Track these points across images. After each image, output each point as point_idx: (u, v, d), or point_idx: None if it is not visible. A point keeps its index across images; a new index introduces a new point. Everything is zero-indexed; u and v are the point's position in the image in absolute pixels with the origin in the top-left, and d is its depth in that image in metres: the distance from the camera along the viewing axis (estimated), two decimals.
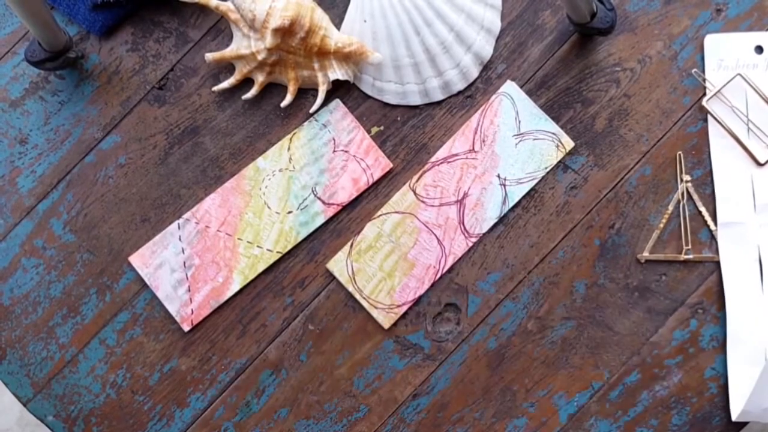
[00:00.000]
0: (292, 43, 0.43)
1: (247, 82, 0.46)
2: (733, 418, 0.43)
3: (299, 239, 0.45)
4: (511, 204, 0.44)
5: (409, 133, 0.46)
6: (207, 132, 0.47)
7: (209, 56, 0.45)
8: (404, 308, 0.45)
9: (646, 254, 0.45)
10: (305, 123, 0.46)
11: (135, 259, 0.45)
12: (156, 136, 0.47)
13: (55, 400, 0.46)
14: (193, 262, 0.45)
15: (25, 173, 0.47)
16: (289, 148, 0.45)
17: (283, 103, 0.45)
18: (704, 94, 0.45)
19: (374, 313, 0.45)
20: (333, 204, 0.45)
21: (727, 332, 0.44)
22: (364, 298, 0.45)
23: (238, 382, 0.46)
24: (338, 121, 0.46)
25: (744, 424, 0.44)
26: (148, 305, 0.46)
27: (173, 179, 0.46)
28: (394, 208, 0.45)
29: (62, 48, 0.43)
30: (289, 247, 0.45)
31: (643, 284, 0.45)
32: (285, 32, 0.42)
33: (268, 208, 0.45)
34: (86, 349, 0.46)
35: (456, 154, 0.45)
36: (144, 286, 0.46)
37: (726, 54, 0.45)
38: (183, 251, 0.45)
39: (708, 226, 0.44)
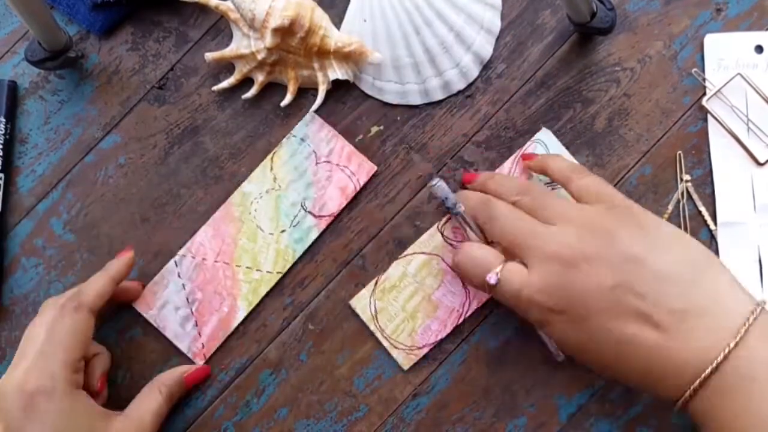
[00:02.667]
0: (292, 42, 0.43)
1: (246, 82, 0.46)
2: None
3: (297, 256, 0.45)
4: None
5: (409, 132, 0.46)
6: (207, 132, 0.47)
7: (209, 56, 0.45)
8: (425, 350, 0.44)
9: None
10: (283, 140, 0.45)
11: (139, 305, 0.45)
12: (156, 136, 0.47)
13: None
14: (196, 296, 0.45)
15: (25, 173, 0.47)
16: (271, 168, 0.45)
17: (283, 103, 0.45)
18: (704, 94, 0.45)
19: (394, 353, 0.45)
20: (324, 216, 0.45)
21: None
22: (385, 337, 0.45)
23: (238, 381, 0.46)
24: (315, 134, 0.45)
25: None
26: None
27: (173, 179, 0.46)
28: (421, 249, 0.45)
29: (62, 48, 0.43)
30: (288, 265, 0.45)
31: None
32: (285, 32, 0.42)
33: (261, 230, 0.45)
34: None
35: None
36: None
37: (726, 54, 0.45)
38: (184, 287, 0.45)
39: (708, 226, 0.44)
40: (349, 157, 0.45)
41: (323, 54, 0.44)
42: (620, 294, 0.35)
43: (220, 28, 0.47)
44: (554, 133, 0.45)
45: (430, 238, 0.45)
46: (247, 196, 0.45)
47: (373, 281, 0.45)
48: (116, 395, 0.46)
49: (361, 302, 0.45)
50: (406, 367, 0.45)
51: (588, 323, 0.36)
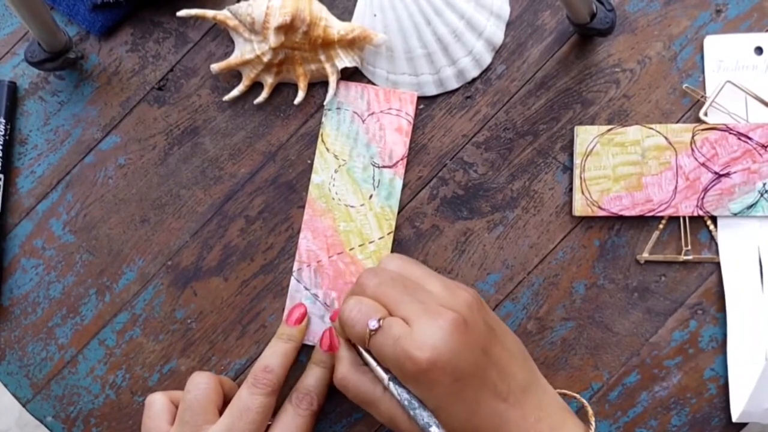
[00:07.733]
0: (296, 38, 0.43)
1: (254, 86, 0.46)
2: (734, 418, 0.43)
3: (396, 210, 0.45)
4: (756, 212, 0.43)
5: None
6: (207, 132, 0.47)
7: (214, 67, 0.44)
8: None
9: (645, 255, 0.45)
10: (323, 120, 0.46)
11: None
12: (156, 137, 0.47)
13: (54, 400, 0.46)
14: (331, 296, 0.45)
15: (25, 173, 0.47)
16: (327, 149, 0.45)
17: (297, 100, 0.45)
18: (698, 102, 0.45)
19: (577, 195, 0.44)
20: (396, 162, 0.45)
21: (727, 333, 0.44)
22: (581, 177, 0.44)
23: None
24: (346, 96, 0.46)
25: (744, 424, 0.44)
26: (147, 306, 0.46)
27: (173, 180, 0.46)
28: (667, 133, 0.44)
29: (62, 48, 0.43)
30: (393, 222, 0.45)
31: (642, 285, 0.45)
32: (287, 29, 0.42)
33: (351, 207, 0.45)
34: (85, 349, 0.46)
35: (751, 138, 0.44)
36: (144, 286, 0.46)
37: (726, 55, 0.45)
38: (317, 296, 0.45)
39: (708, 227, 0.44)
40: (387, 97, 0.45)
41: (328, 44, 0.44)
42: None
43: (219, 29, 0.47)
44: (554, 134, 0.45)
45: (682, 132, 0.43)
46: (321, 185, 0.46)
47: (608, 127, 0.44)
48: (117, 396, 0.46)
49: (589, 134, 0.44)
50: (575, 213, 0.44)
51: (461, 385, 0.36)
